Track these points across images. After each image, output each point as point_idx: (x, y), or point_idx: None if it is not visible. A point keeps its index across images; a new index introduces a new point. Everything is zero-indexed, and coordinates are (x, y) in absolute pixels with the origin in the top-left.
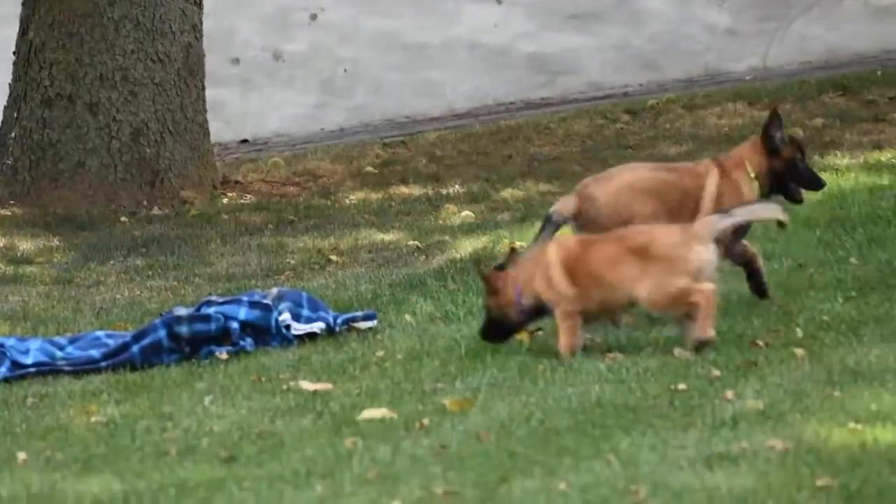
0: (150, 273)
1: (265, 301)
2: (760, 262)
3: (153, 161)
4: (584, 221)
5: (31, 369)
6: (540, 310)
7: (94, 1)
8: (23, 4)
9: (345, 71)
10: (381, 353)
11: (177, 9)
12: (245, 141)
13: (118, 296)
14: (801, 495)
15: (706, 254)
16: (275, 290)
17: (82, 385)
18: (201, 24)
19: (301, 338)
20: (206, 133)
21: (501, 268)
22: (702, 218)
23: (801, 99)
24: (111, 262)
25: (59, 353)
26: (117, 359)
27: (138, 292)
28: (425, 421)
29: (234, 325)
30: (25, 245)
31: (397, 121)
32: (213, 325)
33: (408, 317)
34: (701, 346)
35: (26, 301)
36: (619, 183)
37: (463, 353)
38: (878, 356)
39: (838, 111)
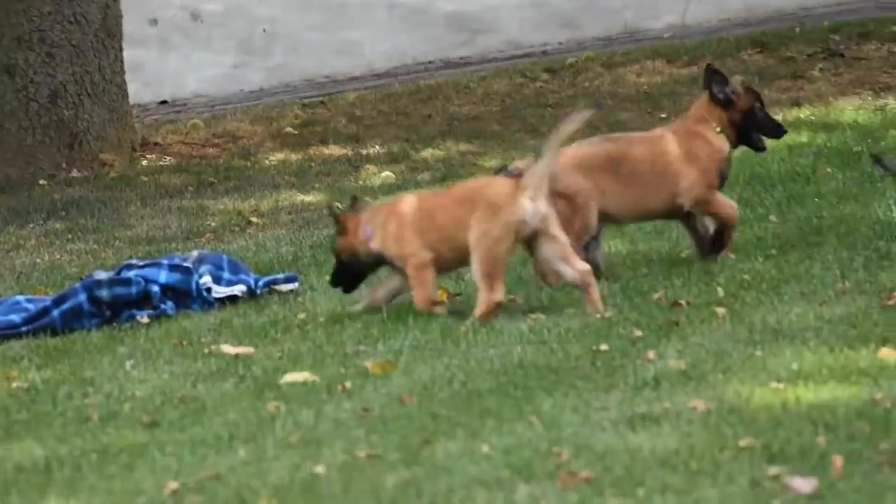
0: (69, 237)
1: (185, 264)
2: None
3: (72, 123)
4: None
5: None
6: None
7: None
8: None
9: (263, 31)
10: (302, 316)
11: None
12: (164, 102)
13: (38, 260)
14: (724, 455)
15: (530, 206)
16: (195, 253)
17: (2, 350)
18: None
19: (222, 301)
20: (125, 95)
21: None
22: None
23: (719, 56)
24: (30, 225)
25: None
26: (37, 323)
27: (58, 256)
28: (348, 384)
29: (155, 288)
30: None
31: (316, 81)
32: (133, 289)
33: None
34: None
35: None
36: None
37: (385, 315)
38: (798, 315)
39: (757, 68)
